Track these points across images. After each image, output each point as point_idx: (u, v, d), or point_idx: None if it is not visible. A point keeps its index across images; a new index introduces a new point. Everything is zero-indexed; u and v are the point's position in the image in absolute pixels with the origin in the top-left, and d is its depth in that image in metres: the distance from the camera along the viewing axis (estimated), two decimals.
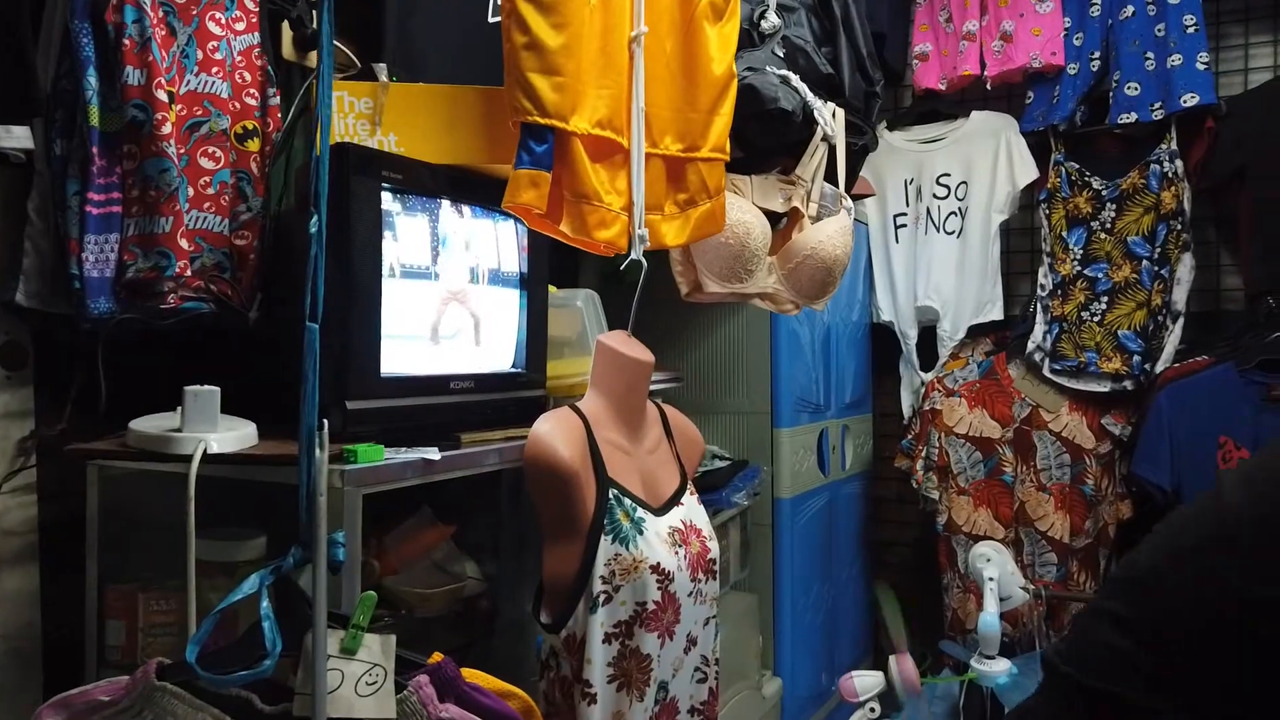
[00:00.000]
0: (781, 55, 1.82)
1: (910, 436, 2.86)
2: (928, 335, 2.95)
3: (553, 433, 1.33)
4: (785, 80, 1.76)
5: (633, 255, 1.45)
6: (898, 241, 2.96)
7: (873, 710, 2.19)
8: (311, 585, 1.06)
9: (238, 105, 1.45)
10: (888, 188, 2.95)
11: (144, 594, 1.36)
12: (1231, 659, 0.62)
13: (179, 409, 1.26)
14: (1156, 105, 2.53)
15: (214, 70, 1.41)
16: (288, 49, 1.63)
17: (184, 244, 1.33)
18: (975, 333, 2.88)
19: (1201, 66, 2.47)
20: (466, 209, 1.48)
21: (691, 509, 1.52)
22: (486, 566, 1.72)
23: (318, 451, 1.06)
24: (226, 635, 1.16)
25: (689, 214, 1.56)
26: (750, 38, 1.81)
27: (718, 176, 1.60)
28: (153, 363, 1.42)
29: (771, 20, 1.81)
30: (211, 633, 1.06)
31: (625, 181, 1.45)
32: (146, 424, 1.27)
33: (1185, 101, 2.47)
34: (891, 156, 2.93)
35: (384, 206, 1.33)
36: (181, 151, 1.36)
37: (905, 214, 2.95)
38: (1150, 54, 2.54)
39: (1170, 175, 2.53)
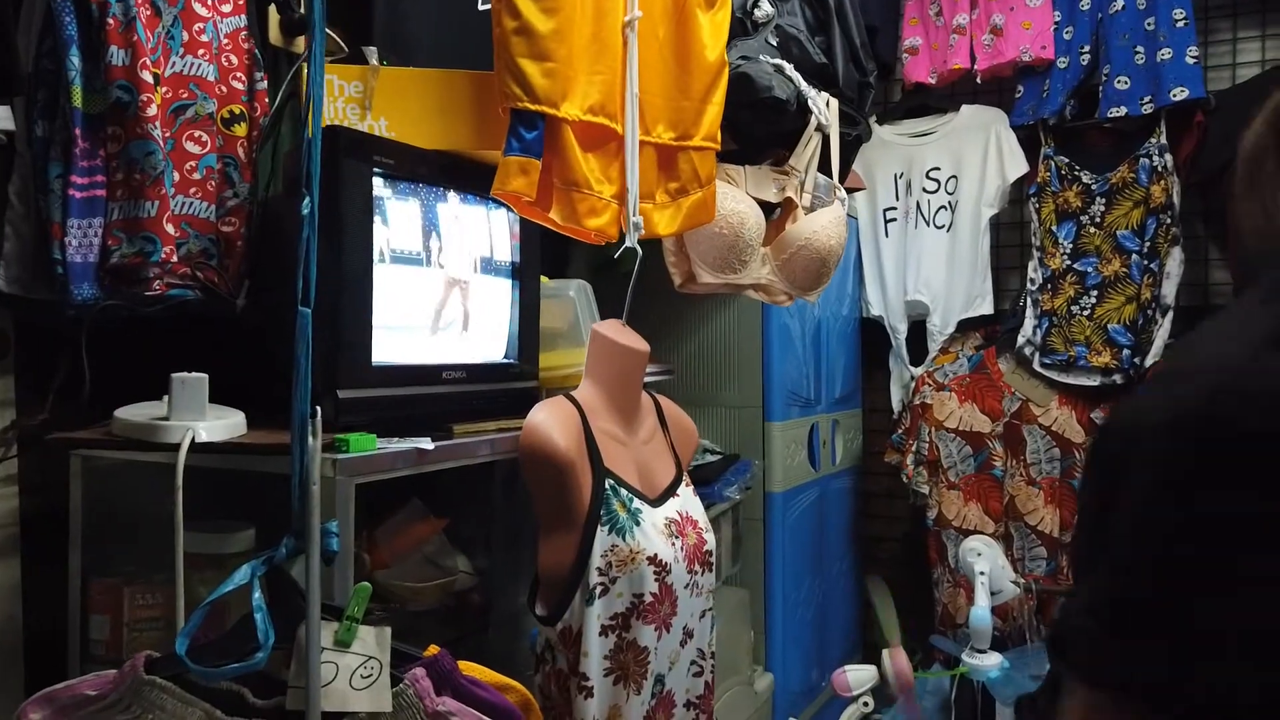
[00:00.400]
0: (775, 44, 1.80)
1: (900, 431, 2.85)
2: (917, 330, 2.95)
3: (548, 421, 1.31)
4: (779, 69, 1.74)
5: (628, 243, 1.43)
6: (887, 236, 2.95)
7: (866, 704, 2.18)
8: (304, 576, 1.04)
9: (224, 89, 1.42)
10: (877, 181, 2.95)
11: (129, 588, 1.33)
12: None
13: (165, 397, 1.23)
14: (1146, 99, 2.54)
15: (200, 52, 1.38)
16: (274, 33, 1.60)
17: (170, 229, 1.30)
18: (965, 327, 2.88)
19: (1191, 60, 2.48)
20: (458, 196, 1.46)
21: (687, 500, 1.50)
22: (478, 560, 1.70)
23: (311, 439, 1.03)
24: (216, 629, 1.13)
25: (680, 203, 1.54)
26: (743, 26, 1.79)
27: (709, 166, 1.58)
28: (137, 351, 1.39)
29: (765, 9, 1.80)
30: (200, 626, 1.04)
31: (617, 169, 1.44)
32: (132, 412, 1.24)
33: (1175, 95, 2.48)
34: (881, 150, 2.92)
35: (375, 192, 1.31)
36: (167, 135, 1.33)
37: (895, 208, 2.94)
38: (1140, 48, 2.55)
39: (1159, 169, 2.53)
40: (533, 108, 1.29)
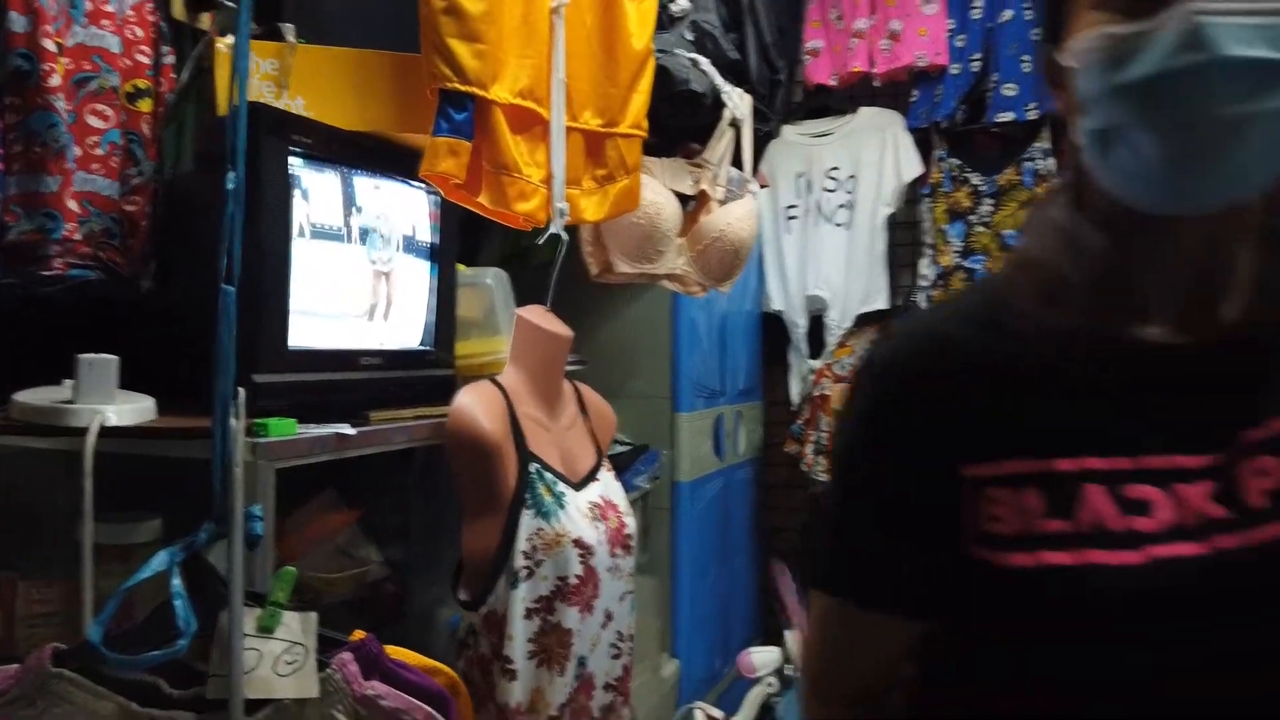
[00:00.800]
0: (691, 39, 1.84)
1: (800, 422, 2.93)
2: (815, 324, 3.03)
3: (474, 405, 1.31)
4: (695, 63, 1.77)
5: (553, 228, 1.43)
6: (789, 233, 3.03)
7: (770, 685, 2.24)
8: (225, 562, 1.01)
9: (129, 62, 1.36)
10: (779, 180, 3.02)
11: (24, 582, 1.26)
12: None
13: (68, 381, 1.17)
14: (1031, 106, 2.68)
15: (103, 23, 1.32)
16: (178, 7, 1.54)
17: (73, 206, 1.24)
18: (861, 322, 2.97)
19: None
20: (377, 177, 1.44)
21: (608, 485, 1.51)
22: (391, 551, 1.67)
23: (234, 421, 1.00)
24: (124, 621, 1.09)
25: (607, 190, 1.55)
26: (660, 20, 1.81)
27: (635, 153, 1.60)
28: (32, 334, 1.31)
29: (681, 3, 1.83)
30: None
31: (545, 154, 1.44)
32: (33, 396, 1.17)
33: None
34: (783, 150, 2.99)
35: (293, 171, 1.28)
36: (69, 108, 1.26)
37: (796, 206, 3.02)
38: (1026, 57, 2.68)
39: (1044, 172, 2.68)
40: (462, 88, 1.28)
